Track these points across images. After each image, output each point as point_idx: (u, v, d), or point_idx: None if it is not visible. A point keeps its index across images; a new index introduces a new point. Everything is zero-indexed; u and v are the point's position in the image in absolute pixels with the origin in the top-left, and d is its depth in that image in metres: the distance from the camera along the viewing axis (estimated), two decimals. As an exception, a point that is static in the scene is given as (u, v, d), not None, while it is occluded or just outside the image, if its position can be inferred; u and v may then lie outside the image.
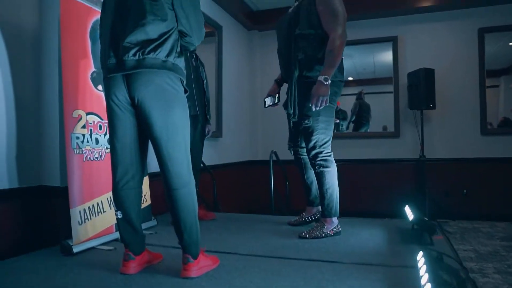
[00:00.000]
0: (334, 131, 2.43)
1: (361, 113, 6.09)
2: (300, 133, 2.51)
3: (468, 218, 4.77)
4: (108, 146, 2.35)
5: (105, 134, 2.33)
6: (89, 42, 2.27)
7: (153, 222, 2.74)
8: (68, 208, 2.06)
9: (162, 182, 1.73)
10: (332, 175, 2.36)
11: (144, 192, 2.63)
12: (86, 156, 2.18)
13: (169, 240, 2.19)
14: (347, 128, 5.96)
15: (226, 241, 2.36)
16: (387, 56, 5.30)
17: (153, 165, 2.56)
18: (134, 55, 1.62)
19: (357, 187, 5.22)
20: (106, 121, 2.30)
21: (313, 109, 2.24)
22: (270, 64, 5.27)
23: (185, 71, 1.78)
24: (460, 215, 4.81)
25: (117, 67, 1.65)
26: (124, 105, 1.69)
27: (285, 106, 2.48)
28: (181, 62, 1.73)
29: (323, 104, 2.23)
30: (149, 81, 1.63)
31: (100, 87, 2.32)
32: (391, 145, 5.18)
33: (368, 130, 5.74)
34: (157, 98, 1.64)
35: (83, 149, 2.16)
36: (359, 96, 6.06)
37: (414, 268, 1.59)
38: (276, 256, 2.01)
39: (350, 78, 6.14)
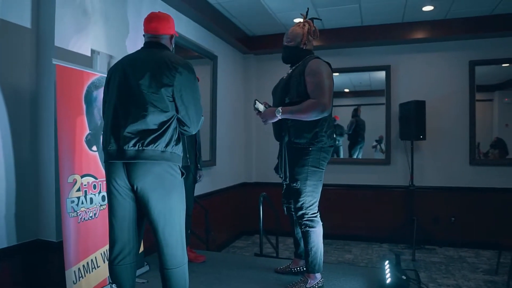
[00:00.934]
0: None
1: (358, 130, 6.20)
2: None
3: (455, 245, 4.91)
4: (102, 203, 2.46)
5: (99, 192, 2.44)
6: (83, 106, 2.36)
7: (145, 268, 2.85)
8: (63, 267, 2.17)
9: (158, 259, 1.85)
10: (317, 234, 2.47)
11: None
12: (81, 218, 2.29)
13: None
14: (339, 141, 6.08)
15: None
16: (382, 73, 5.37)
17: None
18: (134, 145, 1.73)
19: (348, 211, 5.34)
20: (101, 180, 2.41)
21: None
22: (265, 85, 5.37)
23: (181, 154, 1.88)
24: (447, 242, 4.94)
25: (117, 155, 1.76)
26: (124, 190, 1.80)
27: (276, 169, 2.60)
28: (178, 149, 1.84)
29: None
30: (148, 171, 1.74)
31: (94, 147, 2.41)
32: (381, 171, 5.30)
33: (363, 147, 5.87)
34: (155, 187, 1.76)
35: (78, 211, 2.26)
36: (355, 114, 6.17)
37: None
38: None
39: (347, 90, 6.27)
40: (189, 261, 3.02)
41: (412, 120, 4.73)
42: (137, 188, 1.76)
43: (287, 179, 2.52)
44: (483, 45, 4.88)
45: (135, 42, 3.27)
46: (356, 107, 6.29)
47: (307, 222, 2.46)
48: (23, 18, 2.35)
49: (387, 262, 2.64)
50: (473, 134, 4.94)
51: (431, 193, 5.06)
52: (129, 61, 1.89)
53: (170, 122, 1.79)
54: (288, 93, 2.49)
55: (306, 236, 2.48)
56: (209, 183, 4.67)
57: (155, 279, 2.67)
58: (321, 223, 2.53)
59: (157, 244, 1.82)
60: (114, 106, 1.82)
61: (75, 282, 2.21)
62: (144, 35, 2.00)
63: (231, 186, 5.29)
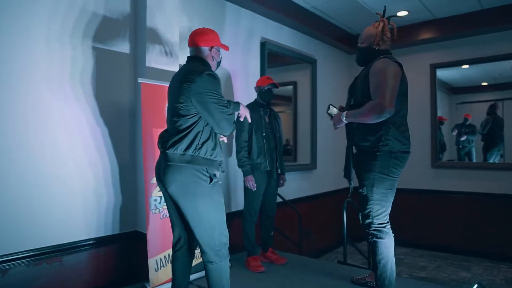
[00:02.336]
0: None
1: (494, 131, 5.34)
2: None
3: None
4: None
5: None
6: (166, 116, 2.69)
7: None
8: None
9: None
10: (386, 246, 2.28)
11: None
12: (163, 214, 2.61)
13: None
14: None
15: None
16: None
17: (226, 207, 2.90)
18: (161, 147, 2.00)
19: (473, 223, 4.66)
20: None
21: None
22: None
23: (209, 157, 1.99)
24: None
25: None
26: (163, 189, 2.03)
27: (344, 173, 2.52)
28: (202, 152, 1.94)
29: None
30: (173, 179, 1.92)
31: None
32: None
33: (502, 152, 5.01)
34: (181, 193, 1.93)
35: (160, 209, 2.60)
36: (492, 111, 5.31)
37: None
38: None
39: (485, 83, 5.49)
40: (270, 262, 3.16)
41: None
42: (169, 193, 1.97)
43: (351, 182, 2.40)
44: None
45: (227, 54, 3.54)
46: (493, 103, 5.41)
47: (375, 232, 2.30)
48: (124, 46, 2.82)
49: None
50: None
51: None
52: (175, 74, 2.12)
53: (191, 127, 1.94)
54: (354, 94, 2.39)
55: (373, 247, 2.31)
56: (309, 187, 4.68)
57: (233, 275, 2.86)
58: (392, 235, 2.32)
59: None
60: (167, 115, 2.07)
61: (156, 270, 2.54)
62: None
63: (334, 190, 5.18)
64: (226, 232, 2.03)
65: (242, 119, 2.29)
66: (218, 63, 2.22)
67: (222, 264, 1.98)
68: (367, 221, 2.32)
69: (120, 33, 2.79)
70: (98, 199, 2.64)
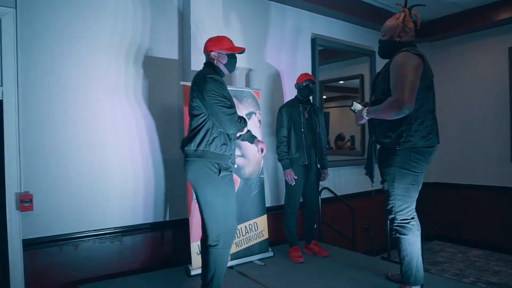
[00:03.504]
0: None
1: None
2: None
3: None
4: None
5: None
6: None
7: (269, 253, 3.23)
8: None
9: None
10: (410, 243, 2.23)
11: (261, 228, 3.19)
12: (202, 204, 2.89)
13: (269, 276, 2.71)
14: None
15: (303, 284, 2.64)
16: None
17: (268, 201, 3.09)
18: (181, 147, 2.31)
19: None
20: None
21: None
22: (444, 74, 5.00)
23: (219, 152, 2.20)
24: None
25: None
26: None
27: (366, 171, 2.52)
28: (212, 148, 2.18)
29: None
30: (188, 170, 2.22)
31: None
32: None
33: None
34: (194, 182, 2.22)
35: (198, 199, 2.87)
36: None
37: None
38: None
39: None
40: (313, 254, 3.26)
41: None
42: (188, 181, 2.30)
43: (373, 180, 2.38)
44: None
45: (274, 54, 3.70)
46: None
47: (398, 228, 2.26)
48: (173, 52, 3.16)
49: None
50: None
51: None
52: None
53: (201, 125, 2.19)
54: (375, 90, 2.36)
55: (398, 243, 2.28)
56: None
57: (273, 264, 3.04)
58: (418, 232, 2.25)
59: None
60: None
61: (198, 253, 2.82)
62: None
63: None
64: (231, 222, 2.23)
65: (260, 154, 2.51)
66: (231, 66, 2.38)
67: (221, 251, 2.18)
68: (390, 216, 2.30)
69: (169, 41, 3.13)
70: (152, 188, 3.02)
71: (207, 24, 3.16)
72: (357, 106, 2.48)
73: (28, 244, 2.50)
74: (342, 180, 4.46)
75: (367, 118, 2.33)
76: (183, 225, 3.07)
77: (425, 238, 5.06)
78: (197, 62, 3.09)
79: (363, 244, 4.36)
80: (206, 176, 2.18)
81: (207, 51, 2.35)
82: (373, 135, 2.39)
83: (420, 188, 2.29)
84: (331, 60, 5.21)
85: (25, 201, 2.43)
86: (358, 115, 2.39)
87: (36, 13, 2.54)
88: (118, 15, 2.87)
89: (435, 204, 5.18)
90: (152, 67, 3.03)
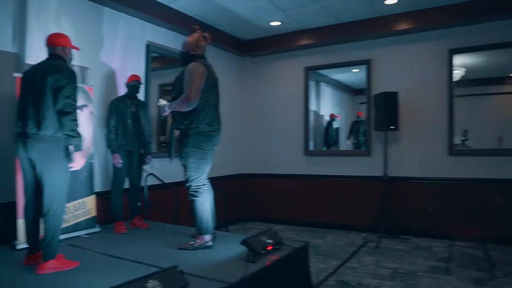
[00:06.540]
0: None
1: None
2: None
3: (433, 236, 4.86)
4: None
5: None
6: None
7: (97, 229, 3.68)
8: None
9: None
10: (201, 203, 3.01)
11: (89, 207, 3.60)
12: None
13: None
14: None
15: (125, 247, 3.17)
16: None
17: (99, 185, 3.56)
18: None
19: (330, 201, 5.61)
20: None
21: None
22: (260, 82, 6.24)
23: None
24: (424, 232, 4.93)
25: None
26: None
27: (166, 150, 3.25)
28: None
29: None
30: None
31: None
32: (362, 162, 5.46)
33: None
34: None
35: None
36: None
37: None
38: (141, 262, 2.72)
39: None
40: (136, 227, 3.80)
41: (383, 111, 4.85)
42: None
43: (172, 157, 3.14)
44: (462, 33, 4.82)
45: (107, 56, 4.14)
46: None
47: (193, 192, 3.03)
48: (7, 45, 3.34)
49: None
50: (451, 124, 4.88)
51: (408, 183, 5.10)
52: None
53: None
54: (174, 90, 3.10)
55: (192, 204, 3.04)
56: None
57: (99, 237, 3.49)
58: (209, 195, 3.05)
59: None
60: None
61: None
62: None
63: (227, 175, 5.92)
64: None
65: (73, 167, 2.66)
66: (71, 62, 2.77)
67: (57, 217, 2.56)
68: (187, 184, 3.05)
69: (4, 34, 3.31)
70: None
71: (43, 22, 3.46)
72: (162, 102, 3.16)
73: None
74: (169, 169, 5.11)
75: (169, 111, 3.04)
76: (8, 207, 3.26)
77: (241, 220, 6.16)
78: (34, 56, 3.32)
79: (186, 222, 5.06)
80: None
81: (57, 45, 2.62)
82: (173, 123, 3.12)
83: (210, 164, 3.11)
84: (172, 66, 5.89)
85: None
86: (162, 109, 3.09)
87: None
88: None
89: (251, 191, 6.30)
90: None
